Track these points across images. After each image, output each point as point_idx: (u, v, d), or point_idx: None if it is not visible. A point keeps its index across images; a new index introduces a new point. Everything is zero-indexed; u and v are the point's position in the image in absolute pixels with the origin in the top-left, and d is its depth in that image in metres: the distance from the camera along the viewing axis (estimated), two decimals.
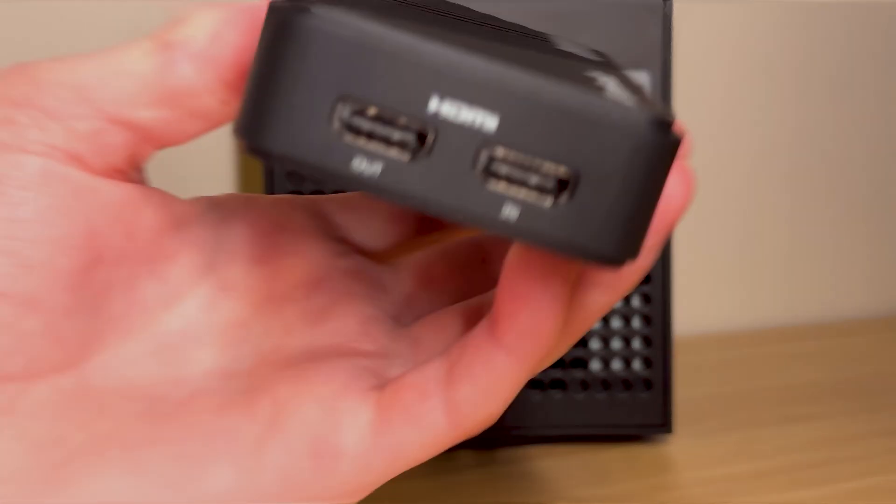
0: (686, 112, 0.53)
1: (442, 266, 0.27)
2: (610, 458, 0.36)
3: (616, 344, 0.36)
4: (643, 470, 0.35)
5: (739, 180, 0.55)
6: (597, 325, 0.36)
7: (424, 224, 0.28)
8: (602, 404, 0.36)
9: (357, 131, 0.18)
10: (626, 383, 0.36)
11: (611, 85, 0.20)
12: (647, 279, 0.36)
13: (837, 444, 0.37)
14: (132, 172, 0.23)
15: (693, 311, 0.54)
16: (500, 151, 0.18)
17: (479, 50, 0.18)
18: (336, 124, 0.18)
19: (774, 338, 0.52)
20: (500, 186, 0.18)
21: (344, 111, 0.18)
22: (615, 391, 0.36)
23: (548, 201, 0.19)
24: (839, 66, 0.56)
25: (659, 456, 0.36)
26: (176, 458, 0.22)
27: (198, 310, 0.24)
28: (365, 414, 0.22)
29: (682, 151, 0.22)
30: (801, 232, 0.56)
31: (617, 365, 0.36)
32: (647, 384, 0.36)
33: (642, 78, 0.35)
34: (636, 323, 0.36)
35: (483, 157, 0.18)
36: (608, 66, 0.25)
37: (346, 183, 0.18)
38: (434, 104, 0.18)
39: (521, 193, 0.18)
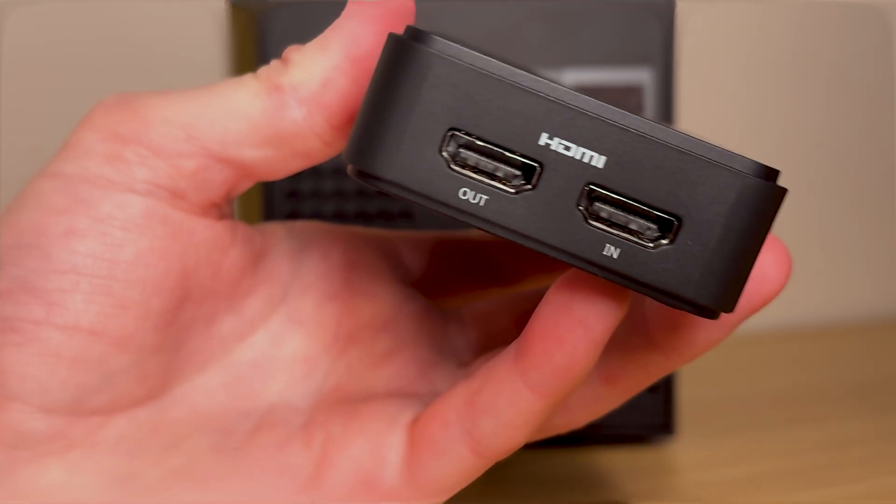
0: (688, 112, 0.53)
1: (506, 318, 0.27)
2: (613, 460, 0.36)
3: None
4: (646, 472, 0.35)
5: None
6: None
7: (494, 275, 0.28)
8: None
9: (466, 163, 0.19)
10: None
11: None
12: None
13: (843, 446, 0.37)
14: (225, 206, 0.24)
15: None
16: (604, 191, 0.18)
17: (589, 95, 0.19)
18: (446, 154, 0.19)
19: (779, 339, 0.52)
20: (602, 226, 0.19)
21: (455, 142, 0.19)
22: None
23: (650, 244, 0.19)
24: (841, 66, 0.56)
25: (662, 458, 0.36)
26: (241, 494, 0.22)
27: (269, 342, 0.24)
28: (403, 449, 0.22)
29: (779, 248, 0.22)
30: (806, 233, 0.56)
31: None
32: (651, 386, 0.36)
33: (643, 75, 0.35)
34: None
35: (587, 195, 0.19)
36: None
37: (451, 212, 0.19)
38: (543, 141, 0.18)
39: (624, 234, 0.19)
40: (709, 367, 0.47)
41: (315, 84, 0.22)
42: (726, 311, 0.19)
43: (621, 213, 0.19)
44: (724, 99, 0.54)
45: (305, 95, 0.22)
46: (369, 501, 0.22)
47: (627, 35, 0.35)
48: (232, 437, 0.23)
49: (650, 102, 0.35)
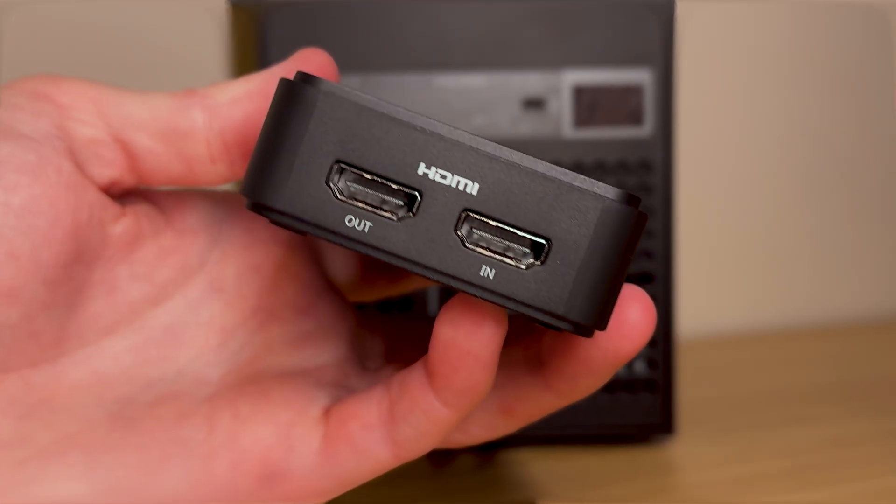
0: (690, 112, 0.53)
1: (408, 342, 0.28)
2: (612, 459, 0.36)
3: None
4: (645, 472, 0.35)
5: (744, 181, 0.55)
6: None
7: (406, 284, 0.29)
8: (604, 405, 0.36)
9: (351, 193, 0.20)
10: (630, 384, 0.36)
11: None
12: (650, 279, 0.36)
13: (843, 446, 0.37)
14: (115, 191, 0.24)
15: (697, 312, 0.54)
16: (479, 217, 0.20)
17: (463, 128, 0.21)
18: (332, 185, 0.20)
19: (778, 339, 0.52)
20: (479, 249, 0.20)
21: (340, 174, 0.20)
22: (618, 392, 0.36)
23: (522, 265, 0.20)
24: (841, 66, 0.56)
25: (661, 458, 0.36)
26: (132, 467, 0.22)
27: (186, 307, 0.25)
28: (315, 441, 0.23)
29: (631, 294, 0.23)
30: (807, 233, 0.56)
31: None
32: (651, 385, 0.36)
33: (643, 75, 0.35)
34: None
35: (464, 220, 0.20)
36: None
37: (338, 239, 0.20)
38: (422, 170, 0.20)
39: (498, 256, 0.20)
40: (709, 367, 0.47)
41: (224, 97, 0.24)
42: (599, 329, 0.21)
43: (495, 238, 0.20)
44: (723, 99, 0.54)
45: (211, 103, 0.24)
46: (270, 486, 0.23)
47: (627, 35, 0.35)
48: (132, 406, 0.23)
49: (650, 102, 0.35)
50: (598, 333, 0.23)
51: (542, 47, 0.35)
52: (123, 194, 0.24)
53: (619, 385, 0.36)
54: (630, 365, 0.36)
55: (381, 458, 0.23)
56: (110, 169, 0.24)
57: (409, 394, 0.23)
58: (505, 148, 0.20)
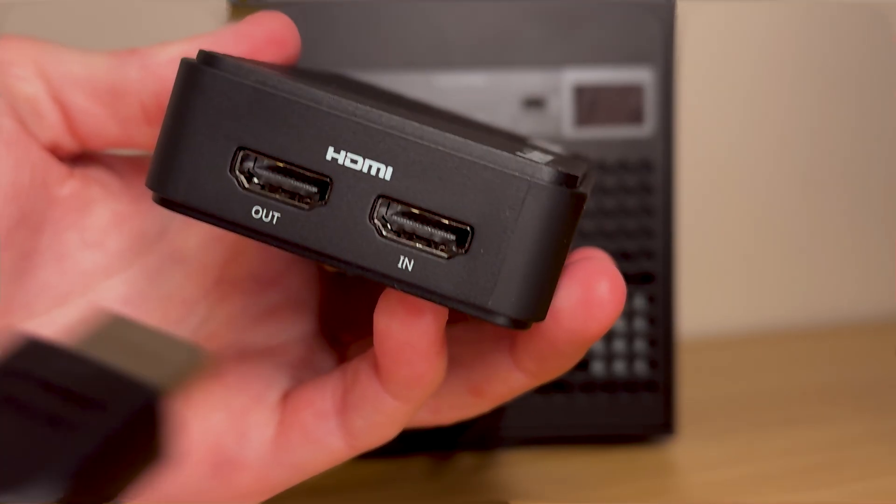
0: (691, 111, 0.53)
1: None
2: (612, 459, 0.36)
3: (619, 345, 0.36)
4: (645, 472, 0.35)
5: (746, 180, 0.55)
6: None
7: None
8: (604, 405, 0.36)
9: (256, 182, 0.19)
10: (630, 385, 0.36)
11: (524, 149, 0.20)
12: (650, 279, 0.36)
13: (843, 446, 0.37)
14: (64, 154, 0.23)
15: (698, 312, 0.54)
16: (394, 202, 0.18)
17: (375, 104, 0.19)
18: (236, 174, 0.19)
19: (780, 339, 0.52)
20: (396, 238, 0.19)
21: (244, 161, 0.19)
22: (618, 392, 0.36)
23: (444, 255, 0.18)
24: (842, 66, 0.55)
25: (662, 458, 0.36)
26: None
27: (144, 278, 0.23)
28: (270, 429, 0.22)
29: (598, 269, 0.21)
30: (809, 233, 0.56)
31: (620, 366, 0.36)
32: (651, 385, 0.36)
33: (643, 74, 0.35)
34: (641, 324, 0.36)
35: (378, 208, 0.18)
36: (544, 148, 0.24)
37: (244, 232, 0.19)
38: (331, 155, 0.18)
39: (418, 246, 0.19)
40: (709, 367, 0.47)
41: (162, 57, 0.22)
42: (537, 320, 0.19)
43: (416, 225, 0.19)
44: (724, 98, 0.54)
45: (148, 62, 0.22)
46: (222, 475, 0.22)
47: (628, 34, 0.35)
48: None
49: (650, 102, 0.35)
50: (561, 313, 0.21)
51: (543, 46, 0.35)
52: (73, 157, 0.23)
53: (620, 385, 0.36)
54: (631, 365, 0.36)
55: (335, 448, 0.22)
56: (51, 130, 0.22)
57: (359, 384, 0.22)
58: (422, 126, 0.18)
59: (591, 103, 0.35)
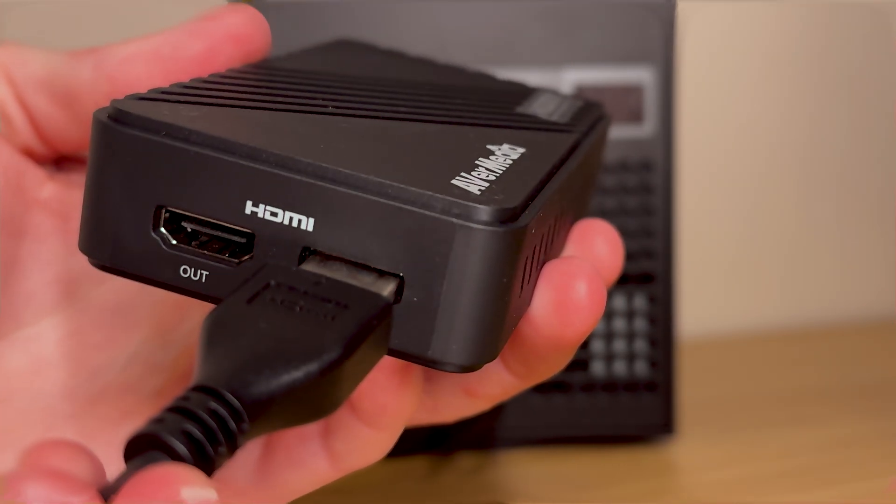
0: (689, 111, 0.53)
1: None
2: (612, 460, 0.36)
3: (619, 345, 0.36)
4: (646, 472, 0.35)
5: (746, 180, 0.54)
6: (600, 326, 0.36)
7: None
8: (605, 406, 0.36)
9: (180, 239, 0.18)
10: (630, 385, 0.36)
11: (479, 168, 0.19)
12: (650, 279, 0.36)
13: (843, 446, 0.37)
14: (46, 160, 0.22)
15: (698, 312, 0.54)
16: (321, 254, 0.17)
17: (289, 148, 0.17)
18: (160, 232, 0.18)
19: (779, 339, 0.52)
20: None
21: (165, 219, 0.18)
22: (618, 392, 0.36)
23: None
24: (842, 66, 0.55)
25: (662, 458, 0.36)
26: None
27: (137, 284, 0.22)
28: (257, 449, 0.22)
29: (573, 270, 0.20)
30: (810, 233, 0.56)
31: (621, 366, 0.36)
32: (651, 386, 0.36)
33: (644, 74, 0.35)
34: (641, 324, 0.36)
35: (306, 260, 0.17)
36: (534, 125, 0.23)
37: (177, 291, 0.18)
38: (250, 209, 0.17)
39: None
40: (709, 367, 0.47)
41: (114, 57, 0.21)
42: (486, 362, 0.18)
43: (346, 275, 0.17)
44: (724, 98, 0.54)
45: (101, 62, 0.21)
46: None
47: (628, 34, 0.35)
48: (73, 401, 0.21)
49: (651, 101, 0.35)
50: (536, 320, 0.20)
51: (543, 46, 0.35)
52: (53, 161, 0.23)
53: (620, 385, 0.36)
54: (631, 365, 0.36)
55: (320, 470, 0.22)
56: (21, 134, 0.22)
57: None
58: (339, 170, 0.17)
59: None
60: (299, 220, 0.17)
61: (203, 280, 0.18)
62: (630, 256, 0.35)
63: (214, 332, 0.16)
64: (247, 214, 0.17)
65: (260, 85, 0.21)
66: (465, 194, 0.17)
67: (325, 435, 0.22)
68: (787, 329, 0.54)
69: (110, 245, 0.18)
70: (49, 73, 0.21)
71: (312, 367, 0.16)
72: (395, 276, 0.17)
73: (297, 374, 0.16)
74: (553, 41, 0.35)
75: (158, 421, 0.15)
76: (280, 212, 0.17)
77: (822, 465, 0.35)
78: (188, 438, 0.14)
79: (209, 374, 0.15)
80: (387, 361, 0.19)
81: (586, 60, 0.35)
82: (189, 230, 0.18)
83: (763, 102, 0.54)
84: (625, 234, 0.36)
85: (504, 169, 0.19)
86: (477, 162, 0.19)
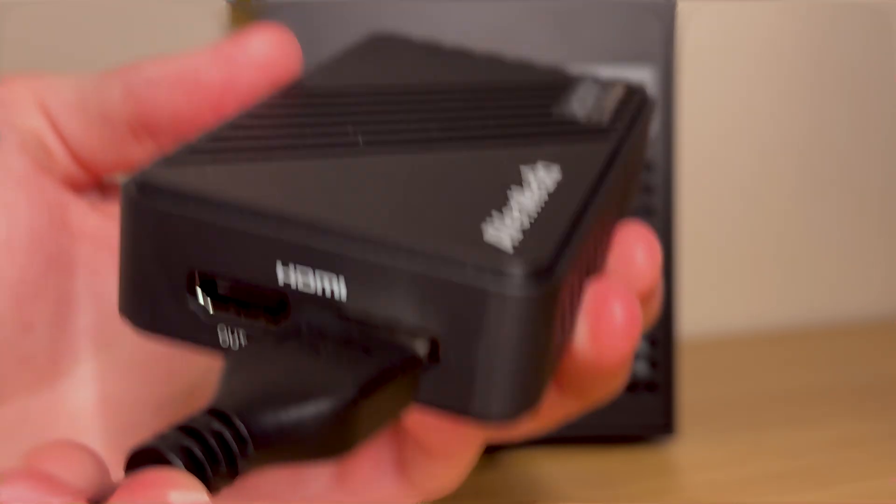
0: (689, 111, 0.53)
1: None
2: (613, 460, 0.36)
3: None
4: (646, 472, 0.35)
5: (746, 180, 0.54)
6: None
7: None
8: (605, 406, 0.36)
9: (217, 305, 0.18)
10: (630, 385, 0.36)
11: (511, 205, 0.18)
12: None
13: (843, 446, 0.37)
14: (89, 189, 0.22)
15: (698, 312, 0.54)
16: (356, 317, 0.17)
17: (318, 207, 0.17)
18: (195, 300, 0.18)
19: (780, 339, 0.52)
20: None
21: (199, 287, 0.18)
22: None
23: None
24: (842, 66, 0.55)
25: (662, 458, 0.36)
26: None
27: None
28: (327, 473, 0.22)
29: (606, 292, 0.19)
30: (811, 233, 0.56)
31: None
32: (651, 386, 0.36)
33: (645, 74, 0.35)
34: None
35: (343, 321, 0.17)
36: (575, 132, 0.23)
37: (218, 354, 0.18)
38: (281, 272, 0.17)
39: None
40: (709, 367, 0.47)
41: (141, 76, 0.21)
42: (528, 411, 0.18)
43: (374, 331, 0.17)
44: (724, 98, 0.54)
45: (128, 82, 0.21)
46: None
47: (628, 34, 0.35)
48: (136, 432, 0.21)
49: None
50: (579, 352, 0.20)
51: (544, 46, 0.35)
52: (93, 189, 0.22)
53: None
54: (631, 365, 0.36)
55: (397, 492, 0.22)
56: (61, 163, 0.22)
57: (408, 443, 0.21)
58: (369, 235, 0.17)
59: None
60: (332, 289, 0.17)
61: (243, 343, 0.18)
62: None
63: (237, 363, 0.17)
64: (279, 279, 0.17)
65: (288, 124, 0.21)
66: (497, 255, 0.17)
67: (400, 461, 0.22)
68: (786, 329, 0.54)
69: (149, 311, 0.18)
70: (81, 97, 0.21)
71: (324, 404, 0.16)
72: (432, 336, 0.17)
73: (308, 408, 0.16)
74: (553, 41, 0.35)
75: (162, 437, 0.15)
76: (311, 281, 0.17)
77: (822, 465, 0.35)
78: (187, 455, 0.15)
79: (222, 399, 0.16)
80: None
81: (586, 60, 0.35)
82: (224, 292, 0.18)
83: (763, 103, 0.54)
84: None
85: (538, 207, 0.19)
86: (509, 194, 0.19)
